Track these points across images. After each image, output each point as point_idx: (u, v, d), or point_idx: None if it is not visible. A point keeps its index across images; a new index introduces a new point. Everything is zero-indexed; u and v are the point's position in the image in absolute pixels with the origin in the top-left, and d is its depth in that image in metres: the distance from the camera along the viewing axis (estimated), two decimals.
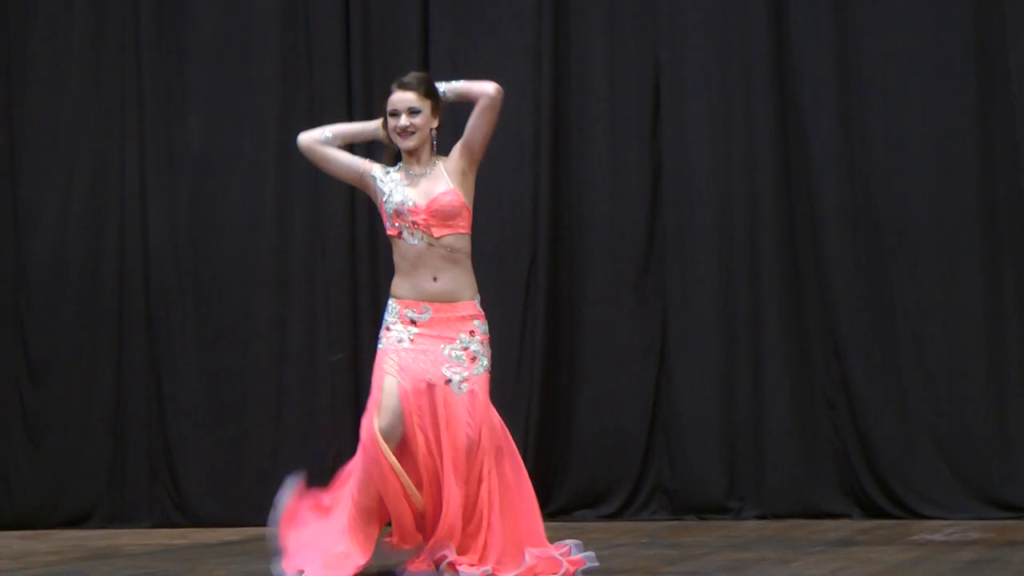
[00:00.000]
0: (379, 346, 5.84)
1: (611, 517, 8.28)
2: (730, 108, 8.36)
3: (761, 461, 8.20)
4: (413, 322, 5.78)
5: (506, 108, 8.46)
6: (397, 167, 5.89)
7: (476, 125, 5.81)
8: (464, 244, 5.84)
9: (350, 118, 8.55)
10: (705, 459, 8.28)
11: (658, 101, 8.47)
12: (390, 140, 5.86)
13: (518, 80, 8.54)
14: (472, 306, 5.85)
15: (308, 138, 5.92)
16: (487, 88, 5.84)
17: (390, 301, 5.87)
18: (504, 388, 8.36)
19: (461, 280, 5.83)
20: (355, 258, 8.61)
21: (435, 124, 5.84)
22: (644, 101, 8.47)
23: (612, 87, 8.52)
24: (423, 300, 5.78)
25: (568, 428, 8.46)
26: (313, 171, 8.59)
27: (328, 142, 5.88)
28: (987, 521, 7.57)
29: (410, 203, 5.76)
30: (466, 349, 5.81)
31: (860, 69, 8.15)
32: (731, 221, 8.34)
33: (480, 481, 5.69)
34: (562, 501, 8.41)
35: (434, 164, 5.85)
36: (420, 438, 5.68)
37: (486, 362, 5.85)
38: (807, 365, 8.20)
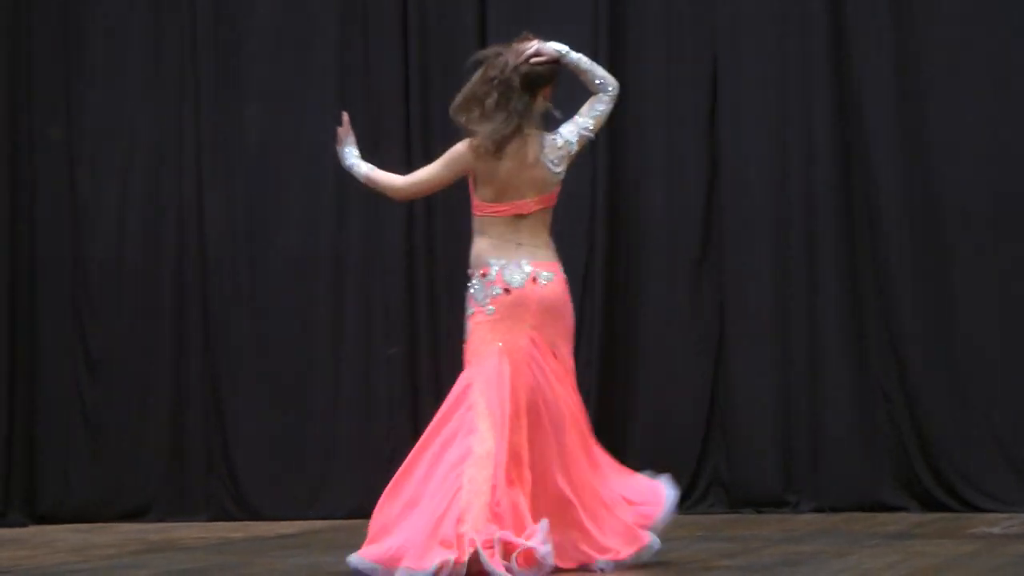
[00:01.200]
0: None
1: None
2: (787, 99, 8.34)
3: (818, 454, 8.19)
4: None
5: (563, 84, 8.60)
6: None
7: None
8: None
9: (407, 111, 8.67)
10: (762, 452, 8.29)
11: (715, 92, 8.47)
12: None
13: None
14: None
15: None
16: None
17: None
18: None
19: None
20: (413, 253, 8.65)
21: None
22: (701, 92, 8.46)
23: (668, 78, 8.51)
24: None
25: (624, 421, 8.47)
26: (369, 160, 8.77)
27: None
28: None
29: None
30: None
31: (918, 58, 8.14)
32: (788, 214, 8.33)
33: None
34: None
35: None
36: None
37: None
38: (864, 357, 8.20)
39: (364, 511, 8.30)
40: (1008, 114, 8.03)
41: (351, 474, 8.52)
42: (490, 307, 5.95)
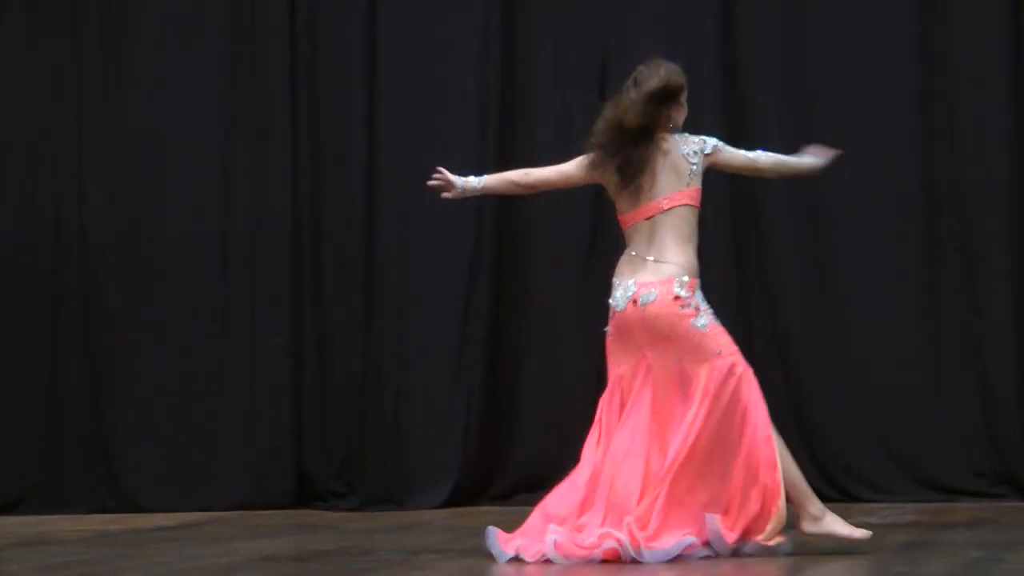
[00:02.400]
0: (716, 321, 5.95)
1: None
2: None
3: None
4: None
5: (454, 87, 8.61)
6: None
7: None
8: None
9: (294, 96, 8.63)
10: None
11: (605, 84, 8.54)
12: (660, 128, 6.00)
13: (465, 62, 8.61)
14: None
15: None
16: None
17: (695, 280, 5.97)
18: (447, 373, 8.47)
19: None
20: (298, 243, 8.63)
21: None
22: (592, 83, 8.53)
23: (559, 69, 8.57)
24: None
25: (511, 413, 8.50)
26: (256, 151, 8.73)
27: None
28: (923, 503, 7.67)
29: None
30: None
31: (805, 56, 8.26)
32: None
33: None
34: (504, 485, 8.47)
35: None
36: None
37: None
38: (748, 349, 8.25)
39: (249, 503, 8.35)
40: (891, 114, 8.16)
41: (234, 466, 8.48)
42: (608, 328, 6.01)
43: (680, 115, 6.02)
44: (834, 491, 7.97)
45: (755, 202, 8.26)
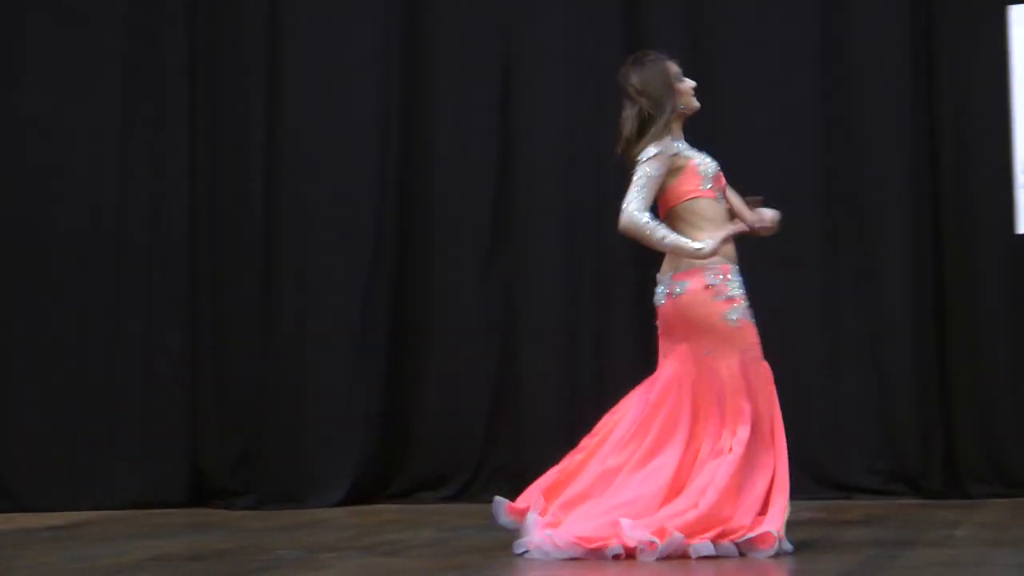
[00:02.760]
0: (749, 317, 5.82)
1: (452, 499, 8.30)
2: (579, 88, 8.45)
3: None
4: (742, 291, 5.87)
5: (355, 80, 8.56)
6: (671, 140, 5.90)
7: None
8: None
9: (192, 87, 8.53)
10: (546, 441, 8.33)
11: (508, 79, 8.54)
12: (677, 110, 5.90)
13: (366, 55, 8.56)
14: None
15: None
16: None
17: (732, 266, 5.85)
18: (346, 371, 8.42)
19: None
20: (195, 238, 8.53)
21: None
22: (494, 79, 8.53)
23: (462, 65, 8.56)
24: (733, 263, 5.89)
25: (410, 409, 8.48)
26: (152, 144, 8.63)
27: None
28: (819, 501, 7.71)
29: (718, 169, 5.91)
30: None
31: (711, 46, 8.29)
32: (578, 202, 8.42)
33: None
34: (403, 483, 8.43)
35: None
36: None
37: None
38: (650, 350, 8.29)
39: (144, 502, 8.24)
40: (793, 112, 8.22)
41: (128, 464, 8.36)
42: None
43: None
44: None
45: None
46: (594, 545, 5.56)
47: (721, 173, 5.93)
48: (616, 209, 8.24)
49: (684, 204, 5.84)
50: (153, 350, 8.47)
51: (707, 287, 5.77)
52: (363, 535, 6.72)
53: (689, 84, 5.94)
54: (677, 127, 5.95)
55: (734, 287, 5.80)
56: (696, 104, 5.96)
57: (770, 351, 8.03)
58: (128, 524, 7.48)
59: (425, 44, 8.56)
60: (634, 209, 5.74)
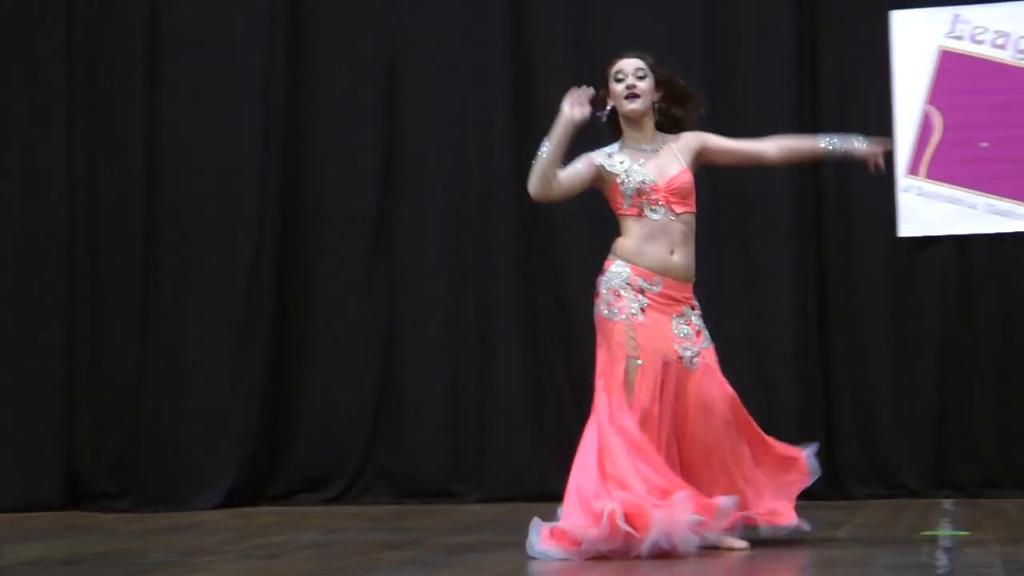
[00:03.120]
0: (607, 313, 5.70)
1: (333, 501, 8.27)
2: (466, 91, 8.42)
3: (486, 444, 8.28)
4: (642, 291, 5.69)
5: (238, 81, 8.46)
6: (618, 147, 5.79)
7: (737, 160, 5.94)
8: (694, 224, 5.79)
9: (70, 84, 8.39)
10: (430, 443, 8.33)
11: (393, 81, 8.50)
12: (603, 112, 5.80)
13: (249, 53, 8.48)
14: (691, 287, 5.78)
15: (537, 190, 5.74)
16: (783, 163, 5.97)
17: (618, 264, 5.73)
18: (226, 372, 8.33)
19: (692, 260, 5.75)
20: (73, 238, 8.42)
21: (657, 97, 5.80)
22: (379, 81, 8.49)
23: (346, 67, 8.51)
24: (657, 272, 5.69)
25: (291, 410, 8.42)
26: (28, 143, 8.47)
27: (551, 175, 5.67)
28: None
29: (650, 180, 5.71)
30: (691, 323, 5.74)
31: (597, 50, 8.30)
32: (463, 204, 8.40)
33: (725, 454, 5.68)
34: (283, 485, 8.36)
35: (663, 141, 5.82)
36: (656, 419, 5.59)
37: (708, 335, 5.78)
38: (536, 350, 8.31)
39: (16, 505, 8.08)
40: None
41: (0, 467, 8.22)
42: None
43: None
44: None
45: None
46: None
47: (661, 184, 5.73)
48: (501, 208, 8.31)
49: (618, 217, 5.83)
50: (27, 350, 8.32)
51: (599, 283, 5.78)
52: (242, 538, 6.63)
53: (616, 87, 5.83)
54: (627, 128, 5.86)
55: (603, 284, 5.76)
56: (627, 107, 5.78)
57: None
58: (1, 528, 7.32)
59: (308, 43, 8.50)
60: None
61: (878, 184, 7.98)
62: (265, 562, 5.74)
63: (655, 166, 5.76)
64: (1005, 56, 7.98)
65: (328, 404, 8.39)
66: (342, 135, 8.50)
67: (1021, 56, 7.95)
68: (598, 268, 8.13)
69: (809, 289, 8.02)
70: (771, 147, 5.91)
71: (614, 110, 5.82)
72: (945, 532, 6.18)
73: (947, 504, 7.48)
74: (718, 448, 5.70)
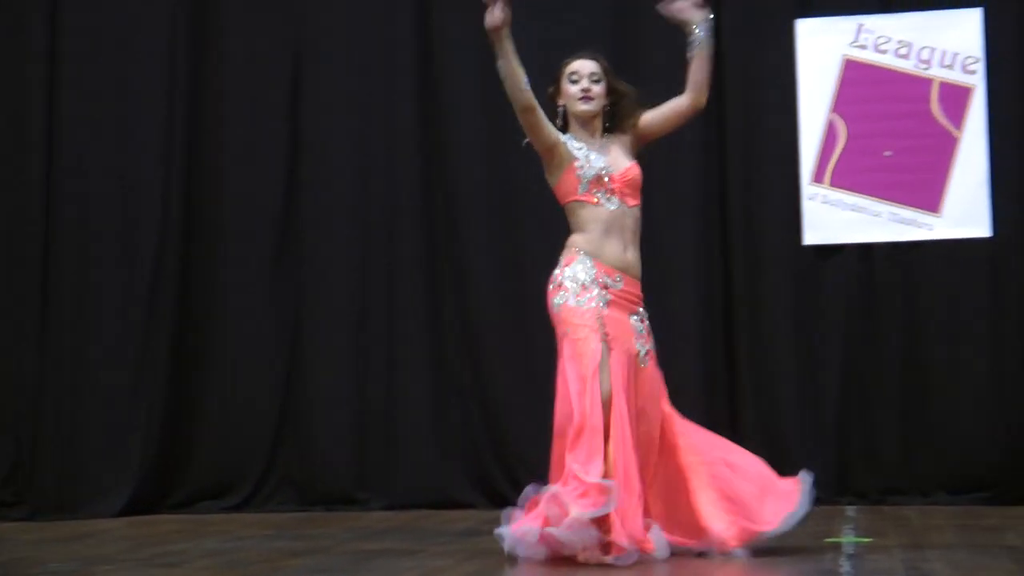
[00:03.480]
0: (574, 302, 5.68)
1: (236, 508, 8.20)
2: (371, 96, 8.38)
3: (390, 452, 8.24)
4: (606, 287, 5.71)
5: (143, 83, 8.36)
6: (571, 135, 5.82)
7: (664, 122, 5.93)
8: (640, 219, 5.86)
9: None
10: (335, 450, 8.27)
11: (298, 84, 8.44)
12: (557, 108, 5.84)
13: (153, 54, 8.39)
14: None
15: (517, 89, 5.70)
16: (705, 96, 5.89)
17: (582, 257, 5.72)
18: (126, 378, 8.22)
19: (639, 258, 5.83)
20: None
21: (607, 101, 5.84)
22: (284, 84, 8.43)
23: (251, 69, 8.44)
24: (618, 269, 5.74)
25: (193, 418, 8.33)
26: None
27: (519, 73, 5.67)
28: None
29: (609, 169, 5.75)
30: (643, 321, 5.83)
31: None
32: (368, 209, 8.35)
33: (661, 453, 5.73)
34: (185, 493, 8.27)
35: (607, 139, 5.86)
36: (624, 410, 5.59)
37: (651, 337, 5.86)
38: (440, 357, 8.27)
39: None
40: None
41: None
42: None
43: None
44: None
45: (449, 203, 8.27)
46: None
47: (616, 175, 5.79)
48: (407, 216, 8.27)
49: (567, 205, 5.84)
50: None
51: (551, 277, 5.81)
52: (142, 546, 6.55)
53: (571, 89, 5.86)
54: (577, 127, 5.88)
55: (566, 277, 5.75)
56: (579, 108, 5.84)
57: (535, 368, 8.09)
58: None
59: (212, 44, 8.43)
60: None
61: (783, 192, 8.04)
62: (165, 571, 5.67)
63: (609, 158, 5.83)
64: (908, 66, 8.04)
65: (231, 411, 8.31)
66: (246, 138, 8.43)
67: (924, 66, 8.02)
68: (502, 277, 8.17)
69: (715, 296, 8.04)
70: (682, 96, 5.94)
71: (564, 108, 5.88)
72: (848, 539, 6.22)
73: (850, 511, 7.52)
74: (652, 441, 5.77)
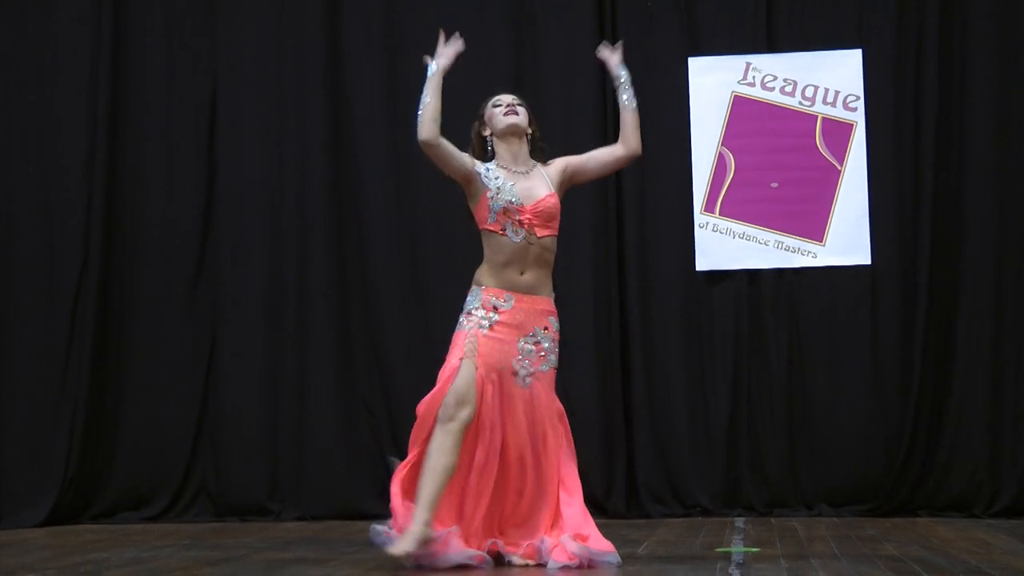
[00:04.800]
0: (458, 328, 5.72)
1: (154, 519, 8.14)
2: (284, 125, 8.36)
3: (302, 465, 8.21)
4: (495, 308, 5.72)
5: (67, 110, 8.28)
6: (494, 163, 5.79)
7: (602, 167, 5.95)
8: (554, 246, 5.87)
9: None
10: (249, 463, 8.23)
11: (215, 113, 8.40)
12: (482, 142, 5.84)
13: (74, 79, 8.32)
14: (550, 302, 5.87)
15: (430, 133, 5.66)
16: (638, 145, 5.89)
17: (475, 288, 5.75)
18: (49, 391, 8.13)
19: (544, 277, 5.85)
20: None
21: (530, 130, 5.83)
22: (201, 112, 8.39)
23: (170, 99, 8.40)
24: (508, 289, 5.72)
25: (114, 432, 8.26)
26: None
27: (437, 120, 5.65)
28: None
29: (517, 201, 5.70)
30: (538, 344, 5.79)
31: (407, 86, 8.30)
32: (282, 234, 8.32)
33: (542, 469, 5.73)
34: (105, 503, 8.19)
35: (533, 166, 5.83)
36: (486, 425, 5.65)
37: (554, 359, 5.85)
38: (350, 374, 8.26)
39: None
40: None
41: None
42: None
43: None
44: None
45: (360, 228, 8.26)
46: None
47: (527, 207, 5.76)
48: (318, 239, 8.25)
49: (482, 231, 5.84)
50: None
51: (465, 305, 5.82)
52: (62, 555, 6.47)
53: (495, 111, 5.87)
54: (503, 149, 5.87)
55: (469, 303, 5.78)
56: (505, 121, 5.84)
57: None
58: None
59: (132, 72, 8.36)
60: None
61: (678, 220, 8.11)
62: None
63: (525, 188, 5.81)
64: (793, 102, 8.15)
65: (150, 425, 8.24)
66: (164, 162, 8.38)
67: (808, 103, 8.13)
68: (406, 299, 8.20)
69: (612, 320, 8.08)
70: (617, 145, 5.97)
71: (491, 139, 5.88)
72: (737, 549, 6.27)
73: (739, 522, 7.59)
74: (521, 458, 5.76)
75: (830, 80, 8.08)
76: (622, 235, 8.15)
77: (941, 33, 7.96)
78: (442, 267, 8.14)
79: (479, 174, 5.80)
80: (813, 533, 6.98)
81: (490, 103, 5.90)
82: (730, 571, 5.50)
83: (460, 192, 5.91)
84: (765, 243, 8.07)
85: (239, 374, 8.26)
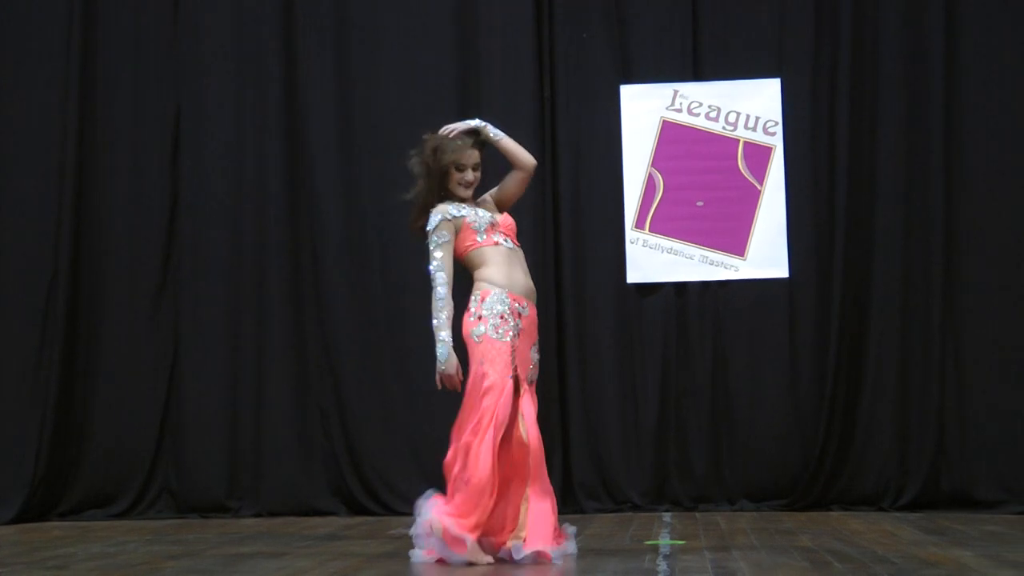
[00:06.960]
0: (494, 334, 5.63)
1: (119, 516, 8.08)
2: (244, 141, 8.33)
3: (260, 464, 8.17)
4: (520, 315, 5.68)
5: (32, 133, 8.21)
6: (450, 204, 5.77)
7: (515, 188, 5.92)
8: None
9: None
10: (209, 462, 8.18)
11: (178, 131, 8.35)
12: (440, 194, 5.78)
13: (45, 106, 8.26)
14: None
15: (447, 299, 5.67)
16: (529, 161, 5.86)
17: (496, 290, 5.65)
18: (20, 393, 8.05)
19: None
20: None
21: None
22: (165, 129, 8.34)
23: (135, 114, 8.35)
24: (524, 296, 5.70)
25: (81, 432, 8.18)
26: None
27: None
28: None
29: (492, 219, 5.80)
30: (538, 352, 5.84)
31: (362, 108, 8.29)
32: (242, 248, 8.29)
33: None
34: (73, 501, 8.12)
35: (476, 202, 5.86)
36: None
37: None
38: (304, 377, 8.23)
39: None
40: None
41: None
42: None
43: None
44: (377, 506, 7.99)
45: (314, 239, 8.23)
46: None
47: (498, 222, 5.83)
48: (274, 252, 8.22)
49: (468, 256, 5.80)
50: None
51: (468, 310, 5.75)
52: (32, 551, 6.42)
53: (456, 175, 5.81)
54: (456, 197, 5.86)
55: (484, 309, 5.70)
56: (462, 193, 5.81)
57: (408, 384, 8.08)
58: None
59: (99, 94, 8.30)
60: (437, 270, 5.70)
61: (610, 235, 8.14)
62: (54, 572, 5.57)
63: (486, 212, 5.88)
64: (717, 127, 8.19)
65: (115, 427, 8.18)
66: (132, 174, 8.32)
67: (730, 127, 8.18)
68: (359, 311, 8.15)
69: (550, 328, 8.08)
70: (515, 170, 5.94)
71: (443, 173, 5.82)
72: (665, 541, 6.29)
73: (667, 517, 7.62)
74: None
75: (751, 107, 8.13)
76: (559, 250, 8.16)
77: (853, 64, 8.03)
78: (389, 285, 8.14)
79: (453, 218, 5.78)
80: (735, 526, 7.01)
81: (453, 160, 5.80)
82: (658, 562, 5.52)
83: (407, 205, 5.91)
84: (691, 257, 8.11)
85: (200, 379, 8.22)
